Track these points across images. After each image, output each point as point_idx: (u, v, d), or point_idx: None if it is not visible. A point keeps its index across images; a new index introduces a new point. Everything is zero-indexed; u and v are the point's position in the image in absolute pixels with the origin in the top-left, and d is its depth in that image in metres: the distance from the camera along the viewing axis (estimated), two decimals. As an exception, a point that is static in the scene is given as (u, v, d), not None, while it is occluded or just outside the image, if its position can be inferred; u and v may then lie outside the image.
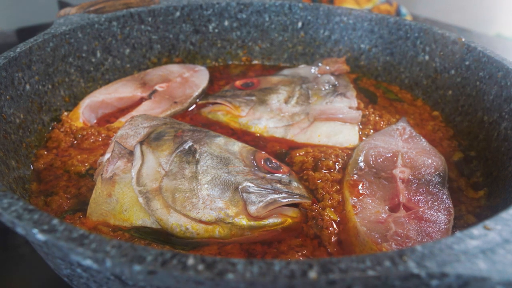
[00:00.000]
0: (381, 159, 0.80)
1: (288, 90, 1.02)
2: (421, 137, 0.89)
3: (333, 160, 0.82)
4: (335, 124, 0.92)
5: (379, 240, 0.63)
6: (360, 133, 0.92)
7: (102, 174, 0.72)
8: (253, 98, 1.00)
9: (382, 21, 1.16)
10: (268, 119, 0.94)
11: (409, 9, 1.91)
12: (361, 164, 0.80)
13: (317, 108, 0.95)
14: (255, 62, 1.30)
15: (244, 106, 0.97)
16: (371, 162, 0.80)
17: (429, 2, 2.47)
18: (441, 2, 2.49)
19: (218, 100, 1.01)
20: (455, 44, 1.00)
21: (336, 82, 1.05)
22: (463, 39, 0.99)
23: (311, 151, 0.86)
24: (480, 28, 2.10)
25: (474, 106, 0.94)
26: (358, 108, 0.98)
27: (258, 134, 0.93)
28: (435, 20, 2.02)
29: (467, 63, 0.97)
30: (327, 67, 1.12)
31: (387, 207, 0.70)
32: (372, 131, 0.93)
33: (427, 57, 1.09)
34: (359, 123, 0.94)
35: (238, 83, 1.07)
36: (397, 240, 0.63)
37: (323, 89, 1.02)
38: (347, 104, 0.97)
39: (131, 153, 0.75)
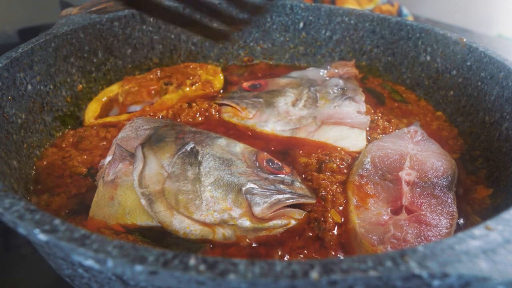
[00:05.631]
0: (388, 161, 0.80)
1: (295, 93, 1.01)
2: (433, 141, 0.88)
3: (337, 163, 0.82)
4: (342, 129, 0.91)
5: (376, 243, 0.63)
6: (369, 137, 0.91)
7: (103, 177, 0.72)
8: (260, 100, 0.99)
9: (384, 21, 1.16)
10: (275, 122, 0.94)
11: (411, 10, 1.90)
12: (367, 165, 0.79)
13: (325, 112, 0.95)
14: (256, 62, 1.30)
15: (251, 108, 0.97)
16: (378, 163, 0.79)
17: (431, 3, 2.47)
18: (442, 3, 2.49)
19: (225, 102, 1.01)
20: (456, 44, 1.00)
21: (345, 86, 1.04)
22: (465, 40, 0.99)
23: (314, 154, 0.85)
24: (482, 28, 2.10)
25: (476, 107, 0.94)
26: (366, 113, 0.96)
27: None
28: (436, 21, 2.02)
29: (468, 63, 0.97)
30: (336, 70, 1.11)
31: (389, 209, 0.70)
32: (381, 135, 0.92)
33: (428, 58, 1.09)
34: (367, 128, 0.93)
35: (245, 84, 1.07)
36: (393, 243, 0.63)
37: (332, 92, 1.01)
38: (355, 108, 0.96)
39: (132, 155, 0.75)
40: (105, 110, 1.01)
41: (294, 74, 1.13)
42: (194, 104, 0.99)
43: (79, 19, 1.04)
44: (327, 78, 1.09)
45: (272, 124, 0.93)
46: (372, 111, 1.00)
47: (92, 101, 1.01)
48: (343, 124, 0.92)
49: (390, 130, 0.94)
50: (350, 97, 0.99)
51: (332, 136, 0.90)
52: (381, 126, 0.95)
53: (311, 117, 0.94)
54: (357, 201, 0.72)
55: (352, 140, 0.89)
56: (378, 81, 1.19)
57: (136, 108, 1.03)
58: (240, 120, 0.96)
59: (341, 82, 1.06)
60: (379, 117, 0.98)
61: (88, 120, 0.96)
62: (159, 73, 1.10)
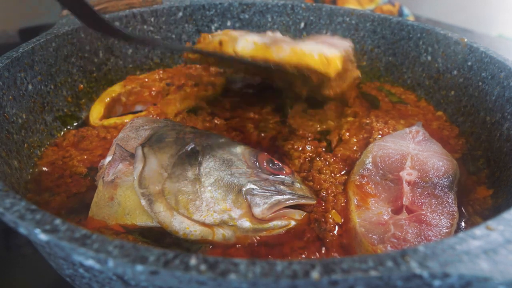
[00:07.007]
0: (389, 161, 0.80)
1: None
2: (435, 141, 0.87)
3: (326, 162, 0.83)
4: (323, 45, 0.89)
5: (375, 242, 0.63)
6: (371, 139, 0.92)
7: (103, 177, 0.72)
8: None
9: (385, 21, 1.16)
10: (257, 36, 0.92)
11: (412, 10, 1.90)
12: (368, 165, 0.79)
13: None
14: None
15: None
16: (379, 163, 0.79)
17: (432, 3, 2.47)
18: (443, 3, 2.49)
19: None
20: (457, 44, 1.00)
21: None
22: (466, 40, 0.99)
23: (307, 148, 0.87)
24: (482, 28, 2.09)
25: (477, 107, 0.94)
26: (358, 114, 0.97)
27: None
28: (437, 21, 2.01)
29: (469, 63, 0.97)
30: None
31: (390, 209, 0.70)
32: (379, 136, 0.91)
33: (429, 58, 1.09)
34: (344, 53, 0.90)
35: None
36: (393, 243, 0.62)
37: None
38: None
39: (132, 155, 0.74)
40: (108, 110, 1.01)
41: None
42: (200, 112, 1.01)
43: (80, 19, 1.04)
44: None
45: (254, 36, 0.92)
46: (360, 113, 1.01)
47: (95, 102, 1.01)
48: (324, 43, 0.90)
49: (386, 131, 0.93)
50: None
51: (309, 47, 0.87)
52: (376, 128, 0.93)
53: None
54: (358, 200, 0.71)
55: (327, 52, 0.86)
56: (374, 85, 1.18)
57: (140, 108, 1.03)
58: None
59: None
60: (373, 120, 0.97)
61: (93, 122, 0.96)
62: (161, 74, 1.10)
